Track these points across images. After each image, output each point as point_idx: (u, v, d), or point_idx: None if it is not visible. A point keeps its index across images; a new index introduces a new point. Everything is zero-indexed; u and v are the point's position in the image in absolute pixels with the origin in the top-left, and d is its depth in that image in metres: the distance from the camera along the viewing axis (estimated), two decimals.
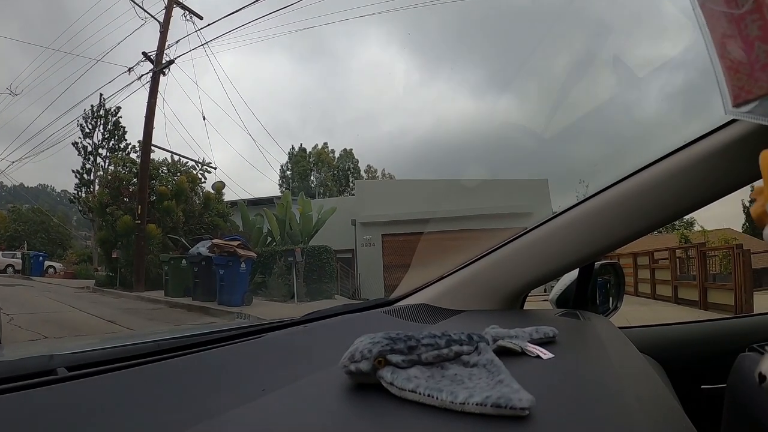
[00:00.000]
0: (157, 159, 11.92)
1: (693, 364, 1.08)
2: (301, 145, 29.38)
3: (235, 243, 8.17)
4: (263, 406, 0.36)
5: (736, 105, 0.50)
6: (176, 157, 12.14)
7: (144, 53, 11.17)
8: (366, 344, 0.37)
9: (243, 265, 7.98)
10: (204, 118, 12.50)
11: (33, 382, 0.37)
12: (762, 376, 0.34)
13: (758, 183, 0.38)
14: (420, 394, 0.33)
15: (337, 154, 29.00)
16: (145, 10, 11.21)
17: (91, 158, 17.99)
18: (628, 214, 0.79)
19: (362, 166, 29.09)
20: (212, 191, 12.13)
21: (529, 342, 0.51)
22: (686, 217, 1.48)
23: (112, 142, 18.08)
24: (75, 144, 17.75)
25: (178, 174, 11.71)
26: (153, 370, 0.43)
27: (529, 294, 0.95)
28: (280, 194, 13.73)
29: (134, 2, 11.12)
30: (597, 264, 1.03)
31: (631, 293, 8.99)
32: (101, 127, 18.11)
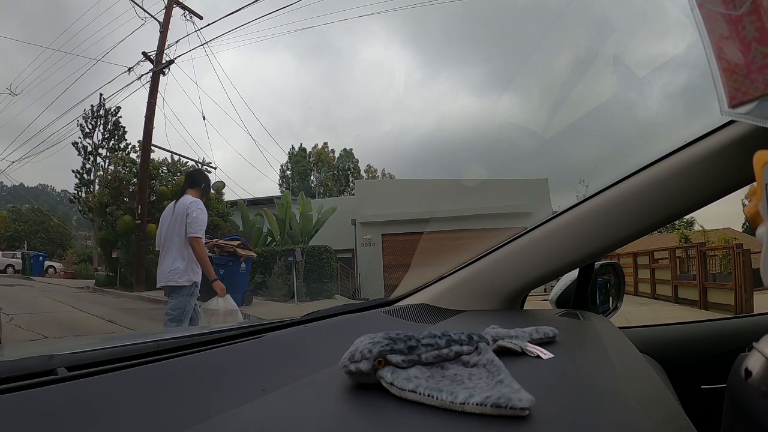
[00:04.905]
0: (157, 159, 11.93)
1: (693, 364, 1.08)
2: (301, 144, 29.51)
3: (235, 243, 8.17)
4: (263, 406, 0.36)
5: (733, 106, 0.50)
6: (176, 157, 12.16)
7: (144, 53, 11.18)
8: (366, 344, 0.37)
9: (243, 264, 7.97)
10: (204, 118, 12.52)
11: (33, 382, 0.36)
12: (748, 372, 0.34)
13: (755, 183, 0.38)
14: (420, 394, 0.33)
15: (337, 154, 29.02)
16: (145, 10, 11.22)
17: (91, 158, 18.00)
18: (628, 214, 0.79)
19: (362, 166, 29.12)
20: (212, 191, 12.13)
21: (529, 342, 0.51)
22: (686, 216, 1.48)
23: (112, 142, 18.09)
24: (75, 144, 17.78)
25: (178, 174, 11.71)
26: (153, 370, 0.43)
27: (529, 294, 0.95)
28: (280, 194, 13.74)
29: (134, 2, 11.13)
30: (597, 264, 1.03)
31: (631, 293, 8.99)
32: (101, 127, 18.13)
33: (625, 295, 1.19)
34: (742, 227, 14.17)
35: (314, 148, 29.04)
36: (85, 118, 17.84)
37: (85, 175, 17.79)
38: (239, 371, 0.46)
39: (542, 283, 0.88)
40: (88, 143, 17.98)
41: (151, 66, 11.06)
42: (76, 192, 17.68)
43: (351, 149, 28.80)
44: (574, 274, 0.99)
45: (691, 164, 0.74)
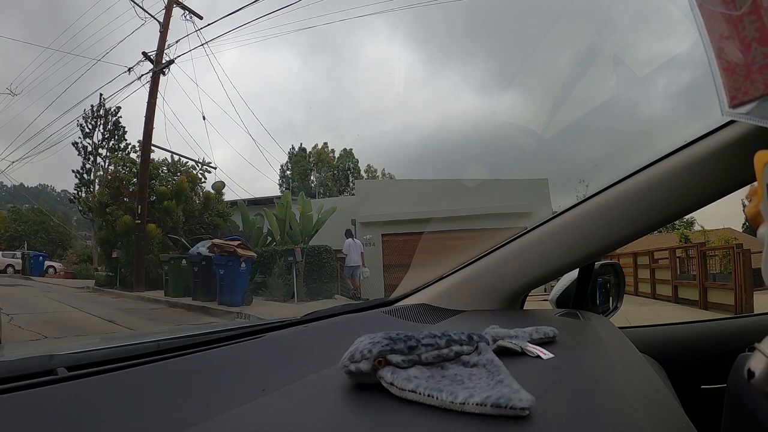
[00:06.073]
0: (157, 159, 11.91)
1: (693, 364, 1.08)
2: (301, 144, 29.46)
3: (235, 243, 8.16)
4: (263, 406, 0.36)
5: (733, 106, 0.50)
6: (176, 157, 12.14)
7: (144, 53, 11.18)
8: (366, 344, 0.37)
9: (243, 264, 7.97)
10: (204, 118, 12.52)
11: (33, 382, 0.37)
12: (751, 372, 0.34)
13: (756, 183, 0.38)
14: (420, 394, 0.33)
15: (337, 154, 29.02)
16: (145, 10, 11.21)
17: (91, 158, 17.97)
18: (628, 214, 0.79)
19: (362, 166, 29.11)
20: (212, 191, 12.11)
21: (529, 342, 0.51)
22: (686, 216, 1.48)
23: (112, 142, 18.07)
24: (75, 144, 17.76)
25: (178, 174, 11.70)
26: (153, 370, 0.43)
27: (529, 294, 0.95)
28: (280, 194, 13.72)
29: (134, 2, 11.12)
30: (597, 264, 1.03)
31: (631, 293, 8.98)
32: (101, 127, 18.10)
33: (625, 295, 1.19)
34: (742, 227, 14.17)
35: (314, 148, 29.04)
36: (85, 118, 17.82)
37: (85, 175, 17.77)
38: (239, 371, 0.46)
39: (542, 283, 0.88)
40: (88, 143, 17.96)
41: (151, 66, 11.06)
42: (76, 192, 17.66)
43: (351, 149, 28.79)
44: (574, 274, 0.99)
45: (691, 164, 0.74)
